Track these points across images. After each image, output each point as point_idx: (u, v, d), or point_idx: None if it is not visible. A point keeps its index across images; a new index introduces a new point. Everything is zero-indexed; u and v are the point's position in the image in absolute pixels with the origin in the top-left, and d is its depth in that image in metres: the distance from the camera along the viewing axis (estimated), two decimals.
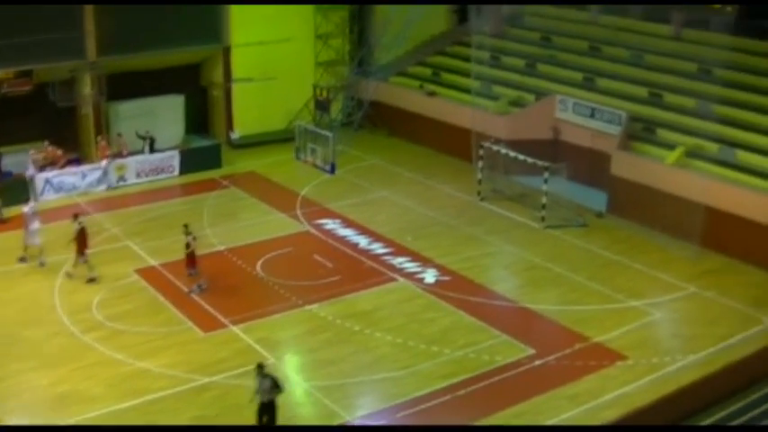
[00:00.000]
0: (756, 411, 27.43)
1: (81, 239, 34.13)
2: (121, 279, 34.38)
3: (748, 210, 36.62)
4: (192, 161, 45.85)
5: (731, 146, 39.91)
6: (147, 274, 34.87)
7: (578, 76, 47.76)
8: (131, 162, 44.48)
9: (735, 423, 26.59)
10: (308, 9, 51.29)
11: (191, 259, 33.24)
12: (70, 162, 43.62)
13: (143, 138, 45.19)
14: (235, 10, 48.08)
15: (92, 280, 33.97)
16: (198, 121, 49.45)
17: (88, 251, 34.43)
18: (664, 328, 32.19)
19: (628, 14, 50.55)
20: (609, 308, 33.08)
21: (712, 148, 40.15)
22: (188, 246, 33.15)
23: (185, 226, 33.77)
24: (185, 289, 33.20)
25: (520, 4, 53.73)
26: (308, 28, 51.66)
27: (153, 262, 35.76)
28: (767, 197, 36.63)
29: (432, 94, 50.80)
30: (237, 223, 40.22)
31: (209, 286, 33.41)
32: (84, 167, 43.63)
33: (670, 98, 43.98)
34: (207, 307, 32.29)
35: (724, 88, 41.59)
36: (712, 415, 27.08)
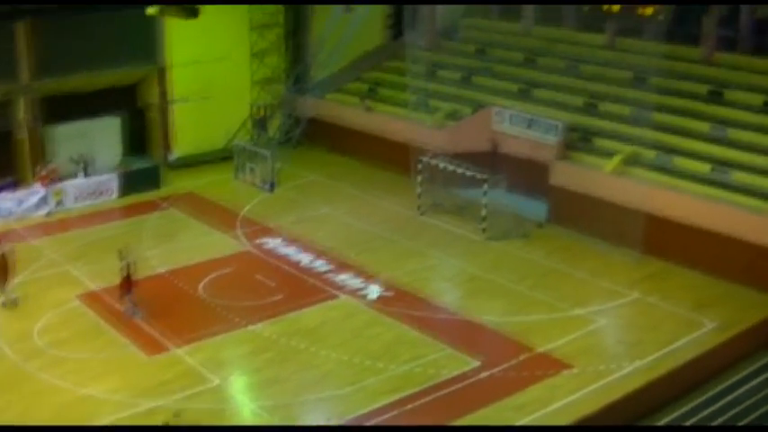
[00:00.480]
0: (703, 413, 27.69)
1: (2, 267, 33.57)
2: (62, 305, 33.89)
3: (687, 214, 36.91)
4: (130, 183, 45.44)
5: (668, 152, 40.24)
6: (89, 298, 34.41)
7: (514, 87, 47.96)
8: (69, 186, 43.98)
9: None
10: (243, 27, 51.09)
11: (126, 284, 32.75)
12: (5, 187, 43.02)
13: (76, 162, 44.71)
14: (170, 29, 47.71)
15: (6, 304, 33.47)
16: (136, 142, 48.98)
17: (12, 278, 33.95)
18: (608, 334, 32.32)
19: (562, 25, 50.92)
20: (553, 317, 33.14)
21: (649, 154, 40.45)
22: (124, 270, 32.68)
23: (120, 251, 33.35)
24: (128, 313, 32.82)
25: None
26: (243, 46, 51.45)
27: (94, 286, 35.31)
28: (704, 202, 36.98)
29: (369, 108, 50.77)
30: (178, 244, 39.87)
31: (149, 311, 33.00)
32: (21, 193, 43.07)
33: (606, 106, 44.28)
34: (149, 330, 31.93)
35: (659, 95, 42.01)
36: (658, 420, 27.29)
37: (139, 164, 47.39)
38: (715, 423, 27.56)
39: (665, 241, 37.35)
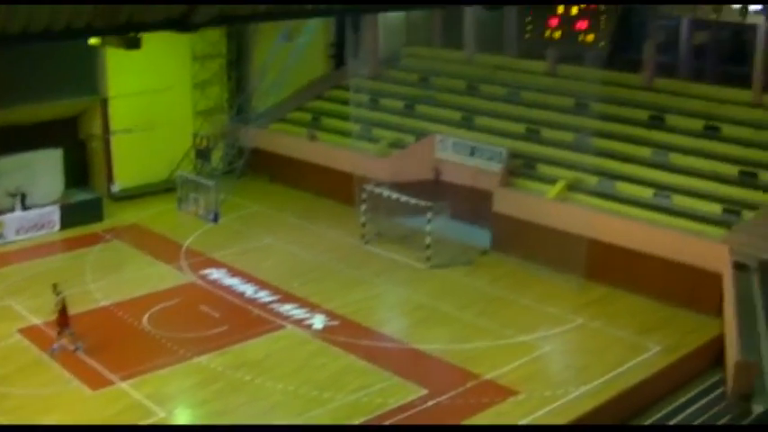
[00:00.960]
0: None
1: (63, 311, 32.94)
2: (3, 339, 33.40)
3: (629, 239, 37.18)
4: (72, 215, 45.00)
5: (610, 177, 40.54)
6: (30, 333, 33.94)
7: (457, 115, 48.15)
8: (9, 219, 43.47)
9: None
10: (185, 57, 50.88)
11: (63, 319, 32.29)
12: None
13: (13, 195, 44.20)
14: (111, 60, 47.40)
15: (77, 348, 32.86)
16: (77, 174, 48.53)
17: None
18: (554, 360, 32.41)
19: (503, 52, 51.22)
20: (499, 344, 33.16)
21: (592, 180, 40.72)
22: (59, 305, 32.23)
23: (54, 286, 32.91)
24: (70, 347, 32.39)
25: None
26: (185, 77, 51.24)
27: (35, 320, 34.87)
28: (647, 226, 37.28)
29: (314, 137, 50.72)
30: (122, 277, 39.50)
31: (93, 345, 32.61)
32: None
33: (548, 133, 44.55)
34: (94, 364, 31.53)
35: (600, 121, 42.41)
36: None
37: (81, 196, 46.97)
38: None
39: (609, 266, 37.54)
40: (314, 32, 50.15)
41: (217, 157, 51.86)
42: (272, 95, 53.31)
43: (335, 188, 47.29)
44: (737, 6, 37.50)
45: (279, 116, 54.27)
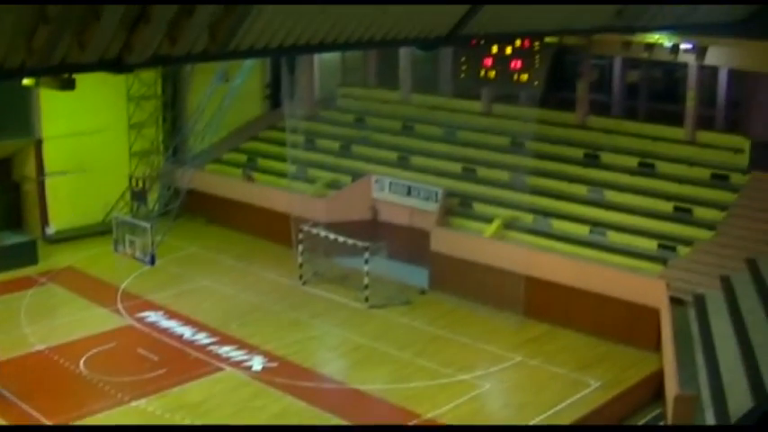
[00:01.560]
0: None
1: None
2: None
3: (566, 276, 37.26)
4: (6, 259, 44.24)
5: (546, 215, 40.70)
6: None
7: (393, 155, 48.14)
8: None
9: None
10: (120, 98, 50.46)
11: None
12: None
13: None
14: (45, 101, 46.89)
15: None
16: (11, 216, 47.89)
17: None
18: (494, 398, 32.28)
19: (438, 92, 51.36)
20: (438, 383, 32.97)
21: (528, 218, 40.86)
22: None
23: None
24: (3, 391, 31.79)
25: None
26: (121, 118, 50.80)
27: None
28: (583, 263, 37.40)
29: (250, 178, 50.50)
30: (57, 321, 38.86)
31: (28, 390, 31.99)
32: None
33: (484, 172, 44.66)
34: (29, 409, 30.94)
35: (535, 159, 42.56)
36: None
37: (15, 239, 46.30)
38: None
39: (547, 304, 37.58)
40: (249, 73, 49.90)
41: (153, 198, 51.35)
42: (208, 136, 52.87)
43: (273, 229, 47.03)
44: (668, 45, 37.89)
45: (215, 157, 53.99)
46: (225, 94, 48.35)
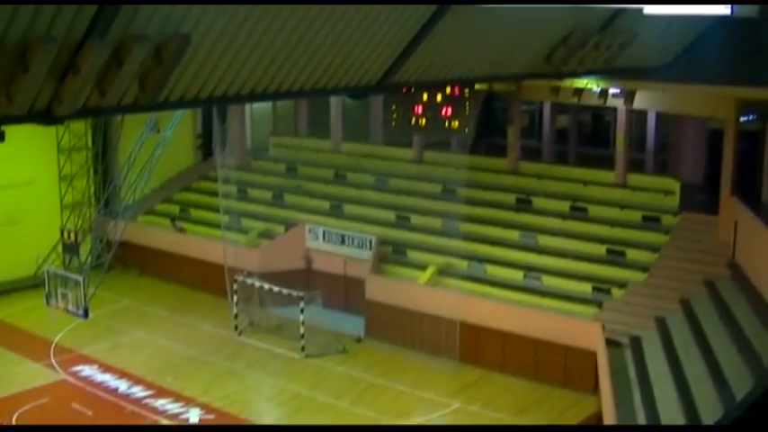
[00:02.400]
0: None
1: None
2: None
3: (501, 322, 37.32)
4: None
5: (480, 261, 40.82)
6: None
7: (326, 204, 48.14)
8: None
9: None
10: (51, 150, 49.97)
11: None
12: None
13: None
14: None
15: None
16: None
17: None
18: None
19: (370, 141, 51.50)
20: None
21: (462, 264, 40.98)
22: None
23: None
24: None
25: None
26: (51, 169, 50.26)
27: None
28: (518, 308, 37.49)
29: (181, 230, 50.23)
30: None
31: None
32: None
33: (417, 219, 44.77)
34: None
35: (468, 206, 42.77)
36: None
37: None
38: None
39: (483, 349, 37.63)
40: (180, 123, 49.74)
41: (85, 250, 50.73)
42: (140, 187, 52.53)
43: (207, 280, 46.72)
44: (597, 90, 38.28)
45: (147, 208, 53.66)
46: (156, 144, 48.11)
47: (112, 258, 50.37)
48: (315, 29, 18.67)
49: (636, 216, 40.77)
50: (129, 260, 51.31)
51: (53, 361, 39.50)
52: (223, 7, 16.28)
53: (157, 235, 51.26)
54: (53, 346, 41.27)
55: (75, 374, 38.14)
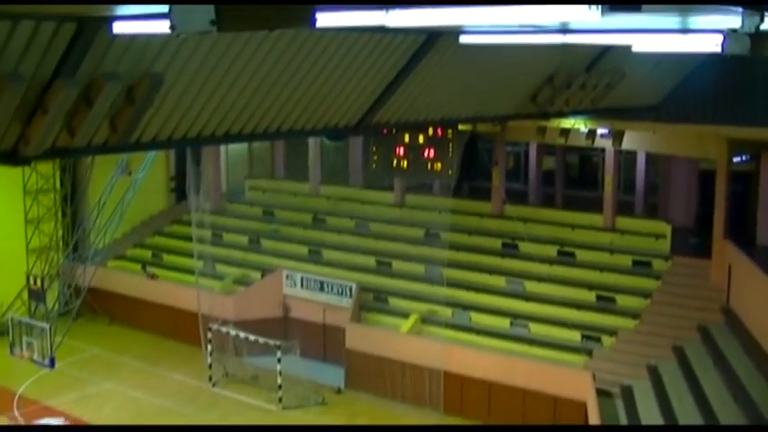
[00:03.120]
0: None
1: None
2: None
3: (487, 371, 37.27)
4: None
5: (464, 309, 40.82)
6: None
7: (304, 249, 48.15)
8: None
9: None
10: (17, 192, 49.93)
11: None
12: None
13: None
14: None
15: None
16: None
17: None
18: None
19: (349, 184, 51.59)
20: None
21: (446, 312, 40.98)
22: None
23: None
24: None
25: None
26: (17, 213, 50.23)
27: None
28: (504, 357, 37.46)
29: (153, 276, 50.17)
30: None
31: None
32: None
33: (399, 265, 44.78)
34: None
35: (451, 251, 42.76)
36: None
37: None
38: None
39: (468, 400, 37.58)
40: (153, 165, 49.78)
41: (52, 297, 50.61)
42: (110, 232, 52.45)
43: (180, 328, 46.63)
44: (584, 130, 38.41)
45: (117, 253, 53.57)
46: (127, 186, 48.12)
47: (80, 305, 50.16)
48: (292, 68, 18.79)
49: (626, 261, 40.88)
50: (99, 307, 51.16)
51: (16, 414, 39.34)
52: (197, 46, 16.38)
53: (128, 281, 51.13)
54: (16, 397, 41.10)
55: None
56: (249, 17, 8.80)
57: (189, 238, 49.45)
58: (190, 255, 48.79)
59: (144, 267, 51.36)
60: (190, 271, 48.36)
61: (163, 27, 9.62)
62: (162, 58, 15.95)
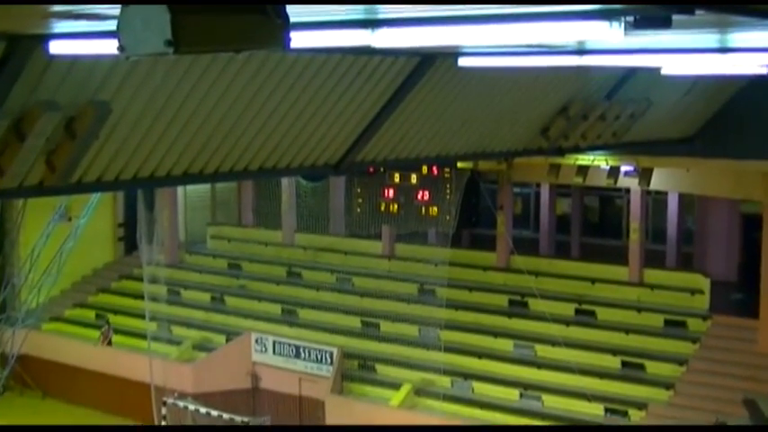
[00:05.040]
0: None
1: None
2: None
3: None
4: None
5: (465, 378, 40.70)
6: None
7: (276, 308, 48.06)
8: None
9: None
10: None
11: None
12: None
13: None
14: None
15: None
16: None
17: None
18: None
19: (329, 232, 51.59)
20: None
21: (444, 382, 40.81)
22: None
23: None
24: None
25: None
26: None
27: None
28: None
29: (105, 339, 49.84)
30: None
31: None
32: None
33: (388, 327, 44.66)
34: None
35: (449, 310, 42.62)
36: None
37: None
38: None
39: None
40: (97, 210, 49.86)
41: None
42: (46, 288, 52.42)
43: (128, 403, 46.39)
44: (606, 168, 38.38)
45: (54, 314, 53.36)
46: (67, 235, 48.18)
47: (9, 376, 50.13)
48: (262, 97, 18.83)
49: (656, 321, 40.87)
50: (31, 378, 50.96)
51: None
52: (151, 71, 16.40)
53: (67, 347, 50.84)
54: None
55: None
56: (211, 37, 8.81)
57: (140, 296, 49.20)
58: (141, 316, 48.55)
59: (102, 326, 50.82)
60: (141, 335, 48.18)
61: (110, 48, 9.64)
62: (109, 85, 15.98)
